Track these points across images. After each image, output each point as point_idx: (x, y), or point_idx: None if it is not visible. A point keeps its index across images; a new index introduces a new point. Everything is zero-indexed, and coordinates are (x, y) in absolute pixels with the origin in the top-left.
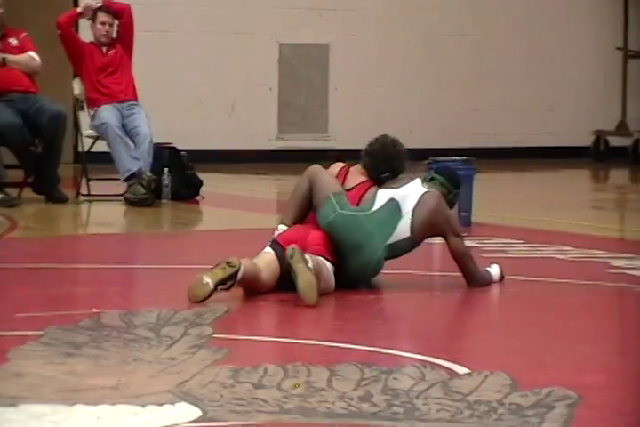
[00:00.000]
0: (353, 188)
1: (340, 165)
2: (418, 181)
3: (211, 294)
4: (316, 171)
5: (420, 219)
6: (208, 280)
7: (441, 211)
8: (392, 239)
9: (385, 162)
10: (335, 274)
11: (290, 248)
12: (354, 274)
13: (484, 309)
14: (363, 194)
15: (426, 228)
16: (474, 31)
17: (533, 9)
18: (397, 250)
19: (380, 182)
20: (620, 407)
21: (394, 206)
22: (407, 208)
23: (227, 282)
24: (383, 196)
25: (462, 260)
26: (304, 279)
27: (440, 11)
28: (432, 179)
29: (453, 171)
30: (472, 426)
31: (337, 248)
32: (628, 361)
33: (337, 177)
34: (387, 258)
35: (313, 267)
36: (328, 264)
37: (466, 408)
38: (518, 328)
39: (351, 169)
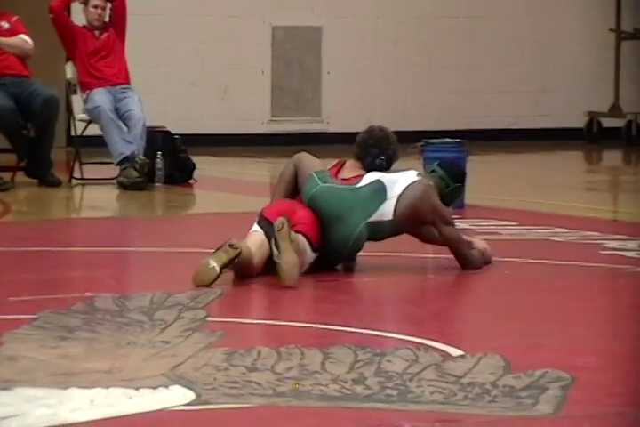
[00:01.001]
0: (347, 178)
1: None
2: (412, 171)
3: (217, 277)
4: (300, 156)
5: (404, 204)
6: (214, 264)
7: (427, 199)
8: (373, 218)
9: (374, 146)
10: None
11: (280, 220)
12: (333, 248)
13: (477, 291)
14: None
15: (409, 214)
16: (466, 13)
17: None
18: (379, 232)
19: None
20: (613, 388)
21: (379, 187)
22: (393, 193)
23: (230, 264)
24: (371, 176)
25: (457, 247)
26: (287, 260)
27: None
28: (432, 171)
29: (457, 165)
30: (466, 408)
31: (319, 223)
32: (620, 343)
33: (330, 170)
34: (368, 238)
35: (296, 248)
36: (308, 249)
37: (459, 390)
38: (512, 310)
39: (346, 163)
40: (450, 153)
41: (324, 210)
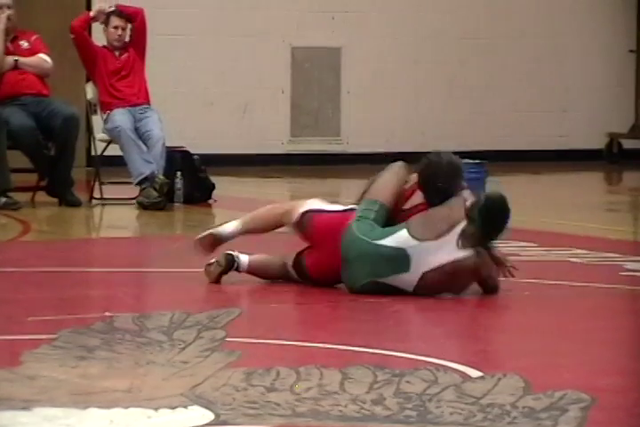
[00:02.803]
0: (407, 209)
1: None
2: (454, 238)
3: (218, 279)
4: (396, 167)
5: (431, 283)
6: (217, 271)
7: (458, 278)
8: (382, 280)
9: (439, 182)
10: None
11: None
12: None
13: (496, 311)
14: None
15: (439, 289)
16: (485, 33)
17: (545, 10)
18: (386, 288)
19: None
20: (635, 409)
21: (401, 257)
22: (419, 268)
23: (226, 272)
24: (400, 237)
25: (491, 289)
26: None
27: (451, 13)
28: (471, 219)
29: (494, 210)
30: None
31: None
32: (639, 363)
33: (405, 192)
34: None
35: None
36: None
37: (479, 411)
38: (531, 331)
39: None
40: (469, 174)
41: (342, 248)
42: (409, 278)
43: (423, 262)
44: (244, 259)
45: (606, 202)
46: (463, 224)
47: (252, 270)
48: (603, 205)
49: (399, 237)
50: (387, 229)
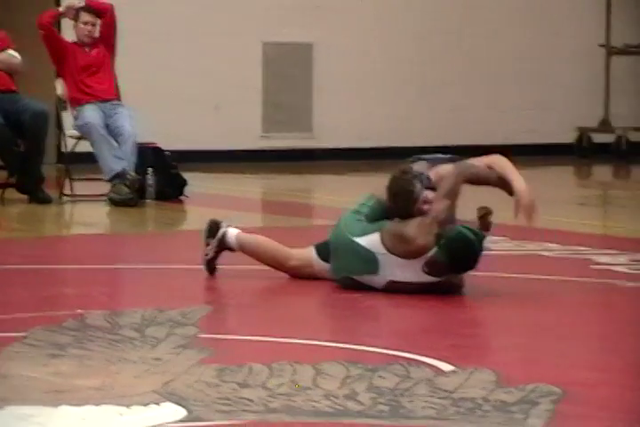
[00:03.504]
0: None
1: None
2: (420, 263)
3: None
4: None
5: (397, 290)
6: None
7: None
8: (356, 277)
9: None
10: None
11: None
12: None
13: (468, 306)
14: None
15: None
16: (459, 30)
17: (517, 7)
18: (359, 285)
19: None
20: (604, 403)
21: (371, 259)
22: (386, 275)
23: (209, 238)
24: (373, 240)
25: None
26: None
27: (424, 9)
28: (439, 247)
29: (461, 251)
30: (457, 423)
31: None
32: (612, 357)
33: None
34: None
35: None
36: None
37: (451, 405)
38: (503, 325)
39: None
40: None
41: (331, 238)
42: (378, 280)
43: (390, 272)
44: (232, 232)
45: (577, 196)
46: (431, 253)
47: (243, 248)
48: (573, 199)
49: (372, 240)
50: (368, 226)
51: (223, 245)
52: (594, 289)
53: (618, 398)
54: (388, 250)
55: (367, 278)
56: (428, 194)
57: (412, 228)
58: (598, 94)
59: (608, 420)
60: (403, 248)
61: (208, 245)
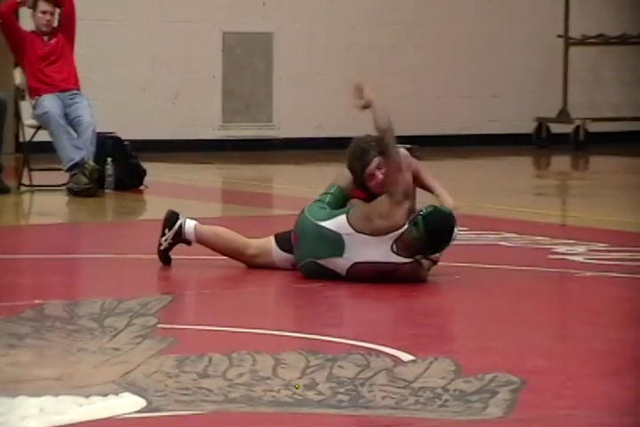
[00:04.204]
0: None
1: None
2: (390, 241)
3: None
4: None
5: (360, 273)
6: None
7: (387, 277)
8: (321, 262)
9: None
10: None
11: None
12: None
13: (428, 295)
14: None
15: (366, 277)
16: (417, 18)
17: None
18: (322, 270)
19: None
20: (562, 391)
21: (337, 242)
22: (352, 257)
23: (166, 228)
24: (340, 221)
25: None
26: None
27: None
28: (415, 224)
29: (441, 223)
30: (417, 413)
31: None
32: (569, 345)
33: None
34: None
35: None
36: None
37: (410, 395)
38: (462, 314)
39: None
40: None
41: (295, 226)
42: (342, 263)
43: (356, 253)
44: (190, 223)
45: (535, 186)
46: (403, 230)
47: (201, 240)
48: (531, 189)
49: (338, 221)
50: (333, 211)
51: (179, 237)
52: (551, 278)
53: (574, 387)
54: (356, 230)
55: (332, 262)
56: (381, 161)
57: (384, 205)
58: (557, 85)
59: (566, 408)
60: (375, 224)
61: (164, 235)
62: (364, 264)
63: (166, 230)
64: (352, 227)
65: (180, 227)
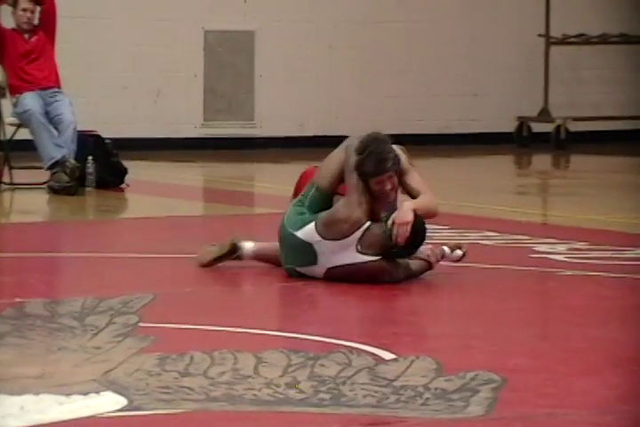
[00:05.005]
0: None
1: None
2: (354, 242)
3: (212, 261)
4: (342, 145)
5: (335, 277)
6: (212, 249)
7: (359, 278)
8: (297, 268)
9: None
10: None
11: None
12: None
13: (410, 294)
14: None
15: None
16: (399, 17)
17: None
18: (303, 275)
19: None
20: (543, 389)
21: (309, 250)
22: (325, 264)
23: (223, 259)
24: (309, 230)
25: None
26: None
27: None
28: (387, 219)
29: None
30: (398, 411)
31: None
32: (550, 344)
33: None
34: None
35: None
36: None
37: (392, 393)
38: (443, 313)
39: None
40: None
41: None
42: (318, 270)
43: (327, 259)
44: (248, 246)
45: (516, 185)
46: (364, 227)
47: (257, 257)
48: (513, 188)
49: (308, 231)
50: (306, 218)
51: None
52: (532, 277)
53: (555, 385)
54: (323, 237)
55: (309, 270)
56: (394, 175)
57: (341, 207)
58: (538, 84)
59: (547, 407)
60: (337, 229)
61: (218, 259)
62: (336, 268)
63: (223, 258)
64: (319, 234)
65: (238, 257)
